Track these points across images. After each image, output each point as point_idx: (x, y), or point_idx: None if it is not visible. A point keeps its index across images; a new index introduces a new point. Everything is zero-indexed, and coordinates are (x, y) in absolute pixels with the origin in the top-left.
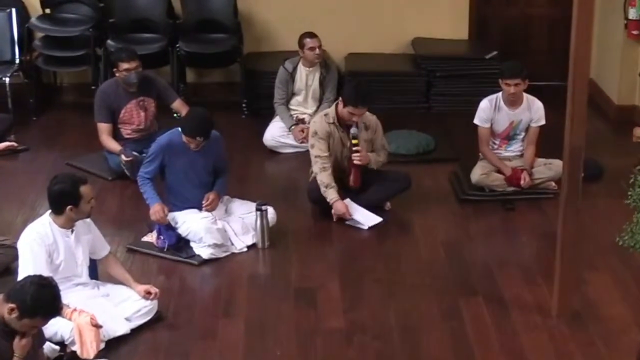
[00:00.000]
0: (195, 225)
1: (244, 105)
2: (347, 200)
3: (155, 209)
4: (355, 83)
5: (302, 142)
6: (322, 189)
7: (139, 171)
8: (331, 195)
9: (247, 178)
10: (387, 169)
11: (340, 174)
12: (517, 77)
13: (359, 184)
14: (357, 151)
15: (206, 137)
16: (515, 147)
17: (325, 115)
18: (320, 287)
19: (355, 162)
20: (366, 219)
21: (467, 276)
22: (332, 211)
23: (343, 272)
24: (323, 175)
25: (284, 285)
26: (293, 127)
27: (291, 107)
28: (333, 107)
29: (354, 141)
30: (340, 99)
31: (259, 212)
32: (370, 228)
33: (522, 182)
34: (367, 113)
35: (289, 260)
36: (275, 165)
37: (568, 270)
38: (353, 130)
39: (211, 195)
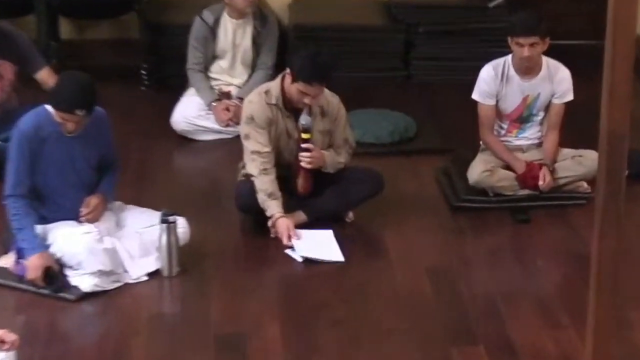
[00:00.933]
0: (72, 245)
1: (143, 72)
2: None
3: (35, 265)
4: (312, 51)
5: (227, 125)
6: (261, 197)
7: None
8: (273, 208)
9: (148, 176)
10: (351, 164)
11: (283, 171)
12: (534, 33)
13: (309, 189)
14: (307, 150)
15: (89, 109)
16: (530, 133)
17: (266, 93)
18: (253, 333)
19: (303, 164)
20: (321, 252)
21: (463, 316)
22: (270, 223)
23: (286, 311)
24: (263, 180)
25: (201, 330)
26: (214, 104)
27: (212, 75)
28: (277, 81)
29: (303, 135)
30: (287, 70)
31: (164, 226)
32: None
33: (540, 182)
34: (327, 92)
35: (207, 293)
36: (188, 157)
37: (606, 306)
38: (303, 119)
39: (93, 200)
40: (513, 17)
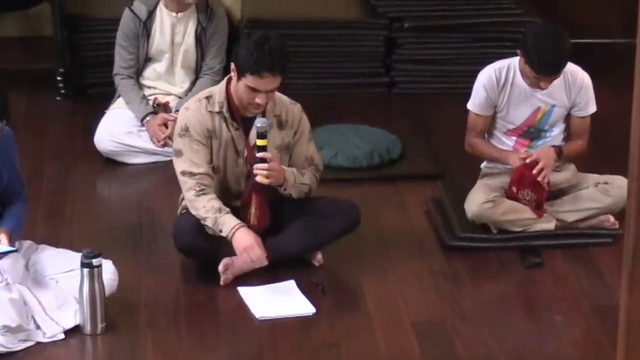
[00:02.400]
0: None
1: (59, 78)
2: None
3: None
4: (258, 37)
5: (164, 145)
6: (210, 218)
7: None
8: (229, 222)
9: (65, 209)
10: (319, 193)
11: (230, 201)
12: (558, 74)
13: (266, 222)
14: (263, 160)
15: (6, 118)
16: None
17: (207, 98)
18: None
19: (257, 179)
20: (285, 307)
21: None
22: (220, 267)
23: None
24: (204, 200)
25: None
26: (149, 119)
27: (145, 82)
28: (221, 84)
29: (259, 141)
30: (232, 67)
31: (86, 271)
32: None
33: (535, 171)
34: (286, 99)
35: (139, 355)
36: (115, 185)
37: None
38: (259, 121)
39: None
40: (533, 46)
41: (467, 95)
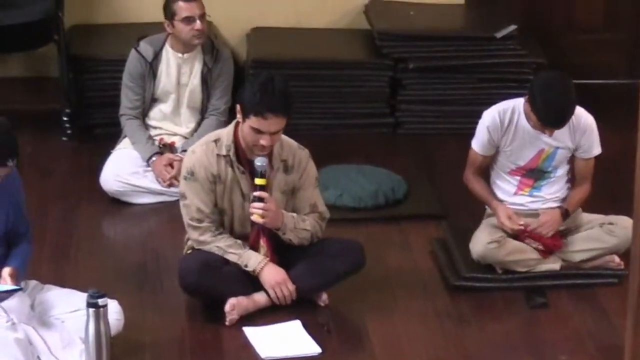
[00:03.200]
0: None
1: (65, 119)
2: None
3: None
4: (263, 78)
5: (170, 186)
6: (235, 253)
7: None
8: (254, 257)
9: (71, 249)
10: (324, 233)
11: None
12: (563, 126)
13: (274, 262)
14: (260, 200)
15: (13, 157)
16: (547, 192)
17: (215, 142)
18: None
19: (253, 218)
20: (290, 347)
21: None
22: (227, 307)
23: None
24: (222, 240)
25: None
26: (154, 159)
27: (151, 122)
28: (229, 127)
29: (257, 180)
30: (237, 109)
31: (92, 311)
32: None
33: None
34: (294, 144)
35: None
36: (121, 225)
37: None
38: (258, 160)
39: (4, 273)
40: (541, 97)
41: (471, 136)
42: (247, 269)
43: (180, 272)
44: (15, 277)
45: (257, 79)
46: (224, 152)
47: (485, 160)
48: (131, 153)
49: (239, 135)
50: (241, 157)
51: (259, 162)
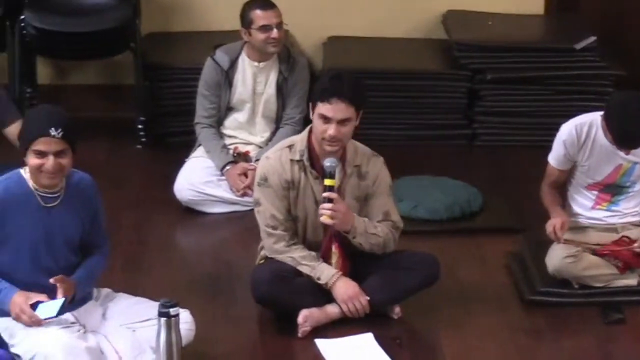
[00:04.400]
0: (45, 342)
1: (140, 126)
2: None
3: (16, 302)
4: (335, 71)
5: (244, 195)
6: (308, 264)
7: None
8: (327, 270)
9: (144, 258)
10: (398, 246)
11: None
12: (638, 147)
13: (347, 271)
14: (329, 200)
15: (66, 131)
16: (625, 207)
17: (289, 147)
18: None
19: (321, 219)
20: (363, 358)
21: None
22: (300, 318)
23: None
24: (296, 251)
25: None
26: (229, 168)
27: (226, 131)
28: (304, 133)
29: (326, 181)
30: (310, 107)
31: (164, 320)
32: None
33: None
34: (368, 150)
35: None
36: (194, 234)
37: None
38: (328, 161)
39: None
40: (617, 120)
41: (548, 149)
42: (319, 281)
43: (252, 282)
44: (73, 290)
45: (328, 73)
46: (297, 157)
47: (561, 175)
48: (205, 162)
49: (313, 140)
50: (315, 162)
51: (329, 162)
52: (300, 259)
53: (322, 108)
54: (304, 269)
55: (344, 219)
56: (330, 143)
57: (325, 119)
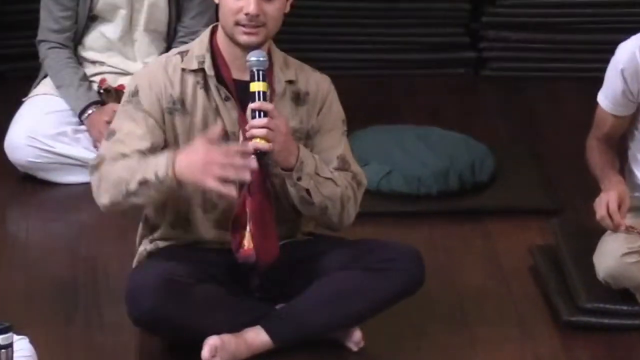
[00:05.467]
0: None
1: None
2: None
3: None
4: None
5: None
6: (133, 178)
7: None
8: (161, 156)
9: None
10: (362, 234)
11: (213, 229)
12: None
13: (270, 250)
14: (262, 114)
15: None
16: None
17: (180, 54)
18: None
19: (251, 144)
20: None
21: None
22: (205, 352)
23: None
24: (119, 164)
25: None
26: (91, 112)
27: (87, 54)
28: (204, 34)
29: (253, 85)
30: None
31: None
32: None
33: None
34: (307, 67)
35: None
36: (38, 218)
37: None
38: (254, 55)
39: None
40: None
41: (597, 80)
42: (162, 183)
43: (129, 293)
44: None
45: None
46: (194, 66)
47: (618, 123)
48: (55, 102)
49: (218, 40)
50: (224, 75)
51: (255, 56)
52: (125, 174)
53: None
54: (133, 184)
55: (286, 144)
56: (248, 29)
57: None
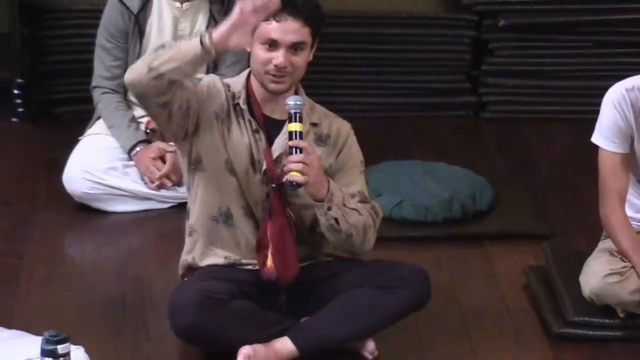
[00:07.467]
0: None
1: (16, 91)
2: None
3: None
4: None
5: (159, 188)
6: (157, 57)
7: None
8: (192, 38)
9: (21, 275)
10: (374, 256)
11: (237, 249)
12: None
13: (290, 268)
14: (297, 150)
15: None
16: None
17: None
18: None
19: (288, 177)
20: None
21: None
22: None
23: None
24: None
25: None
26: (139, 149)
27: (134, 98)
28: (242, 74)
29: (291, 126)
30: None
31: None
32: None
33: None
34: (328, 112)
35: None
36: (91, 243)
37: None
38: (292, 99)
39: None
40: None
41: (585, 122)
42: (195, 51)
43: (172, 308)
44: None
45: None
46: (234, 94)
47: (624, 164)
48: (107, 141)
49: (252, 85)
50: (255, 110)
51: (293, 100)
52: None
53: (267, 29)
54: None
55: (318, 177)
56: (276, 78)
57: (271, 44)
